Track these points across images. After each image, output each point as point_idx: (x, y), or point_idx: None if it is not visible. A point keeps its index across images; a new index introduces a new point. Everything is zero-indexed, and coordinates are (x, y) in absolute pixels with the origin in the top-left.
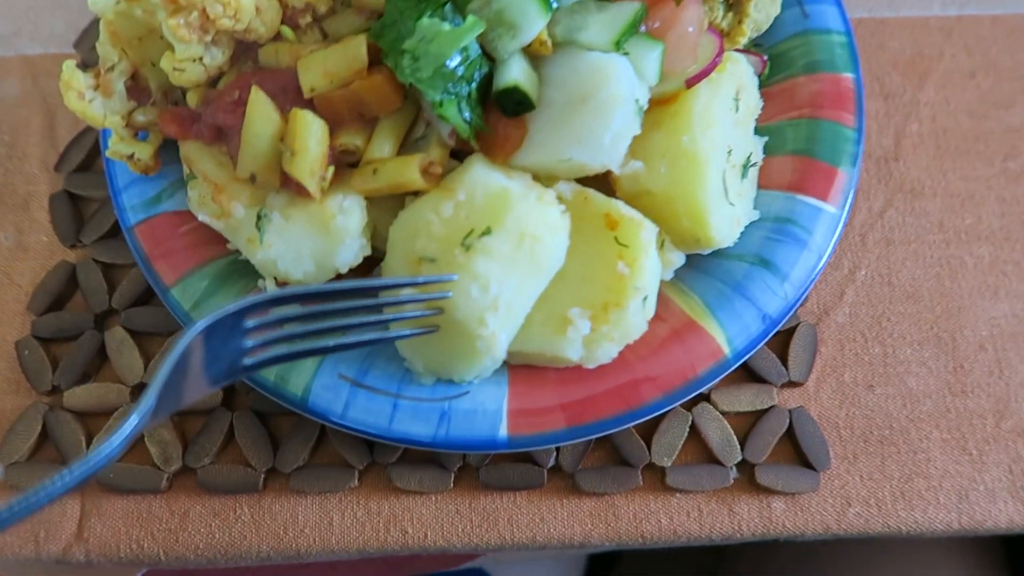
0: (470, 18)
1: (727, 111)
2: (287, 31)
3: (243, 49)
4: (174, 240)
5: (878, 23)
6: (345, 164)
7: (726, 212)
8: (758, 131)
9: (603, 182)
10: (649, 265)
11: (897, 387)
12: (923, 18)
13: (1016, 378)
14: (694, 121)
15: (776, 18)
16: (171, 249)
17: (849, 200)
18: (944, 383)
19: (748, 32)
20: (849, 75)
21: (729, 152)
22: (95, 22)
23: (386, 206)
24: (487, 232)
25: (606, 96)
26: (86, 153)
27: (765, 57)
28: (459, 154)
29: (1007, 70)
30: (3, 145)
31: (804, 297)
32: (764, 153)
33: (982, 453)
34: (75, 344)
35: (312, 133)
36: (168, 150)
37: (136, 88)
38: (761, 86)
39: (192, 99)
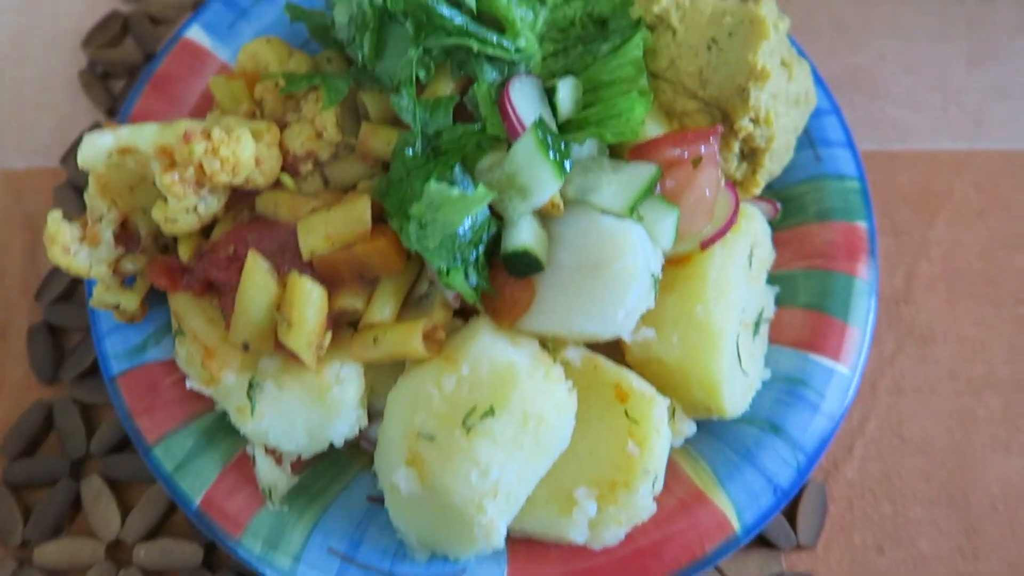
0: (481, 187)
1: (741, 272)
2: (287, 180)
3: (239, 195)
4: (159, 394)
5: (888, 156)
6: (343, 324)
7: (740, 381)
8: (769, 280)
9: (612, 344)
10: (660, 446)
11: (908, 550)
12: (933, 152)
13: None
14: (708, 289)
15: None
16: (155, 404)
17: (863, 360)
18: (956, 546)
19: (762, 183)
20: (863, 224)
21: (742, 311)
22: (81, 135)
23: (384, 365)
24: (490, 412)
25: (621, 269)
26: (68, 282)
27: (778, 205)
28: (462, 312)
29: (1017, 209)
30: None
31: (815, 465)
32: (775, 305)
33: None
34: (48, 493)
35: (311, 303)
36: (156, 292)
37: (124, 235)
38: (772, 230)
39: (184, 251)
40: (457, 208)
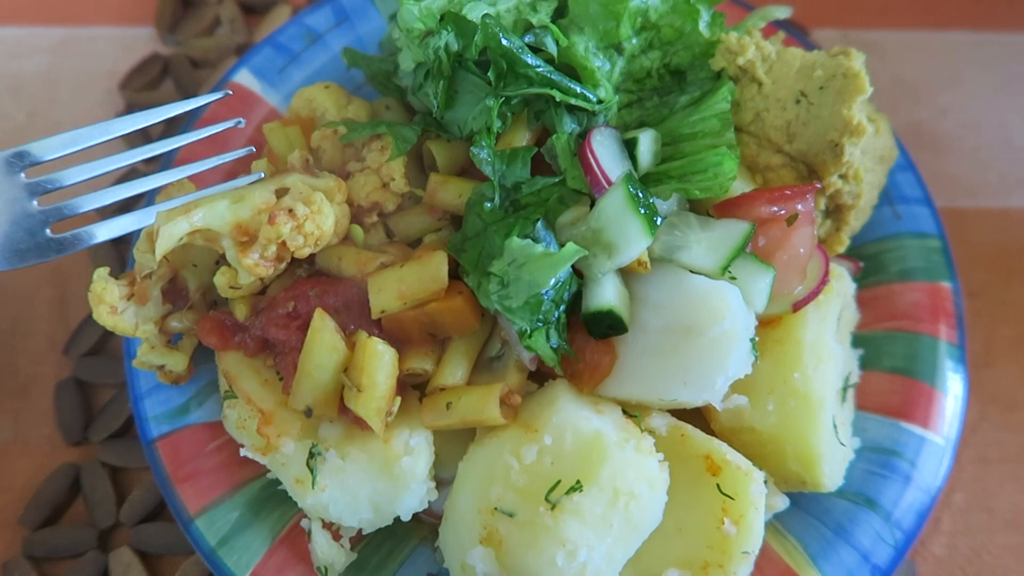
0: (570, 244)
1: (835, 335)
2: (357, 232)
3: None
4: (201, 459)
5: (958, 214)
6: (408, 387)
7: (837, 453)
8: (852, 342)
9: (693, 411)
10: (759, 523)
11: None
12: (1004, 209)
13: None
14: (805, 355)
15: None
16: (198, 470)
17: (958, 428)
18: None
19: (847, 241)
20: (947, 284)
21: (839, 378)
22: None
23: (451, 432)
24: (577, 487)
25: (720, 333)
26: (100, 334)
27: (860, 264)
28: (536, 375)
29: None
30: (6, 318)
31: (914, 542)
32: (860, 368)
33: None
34: (73, 566)
35: (382, 366)
36: (200, 349)
37: (173, 290)
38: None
39: (240, 310)
40: (543, 266)
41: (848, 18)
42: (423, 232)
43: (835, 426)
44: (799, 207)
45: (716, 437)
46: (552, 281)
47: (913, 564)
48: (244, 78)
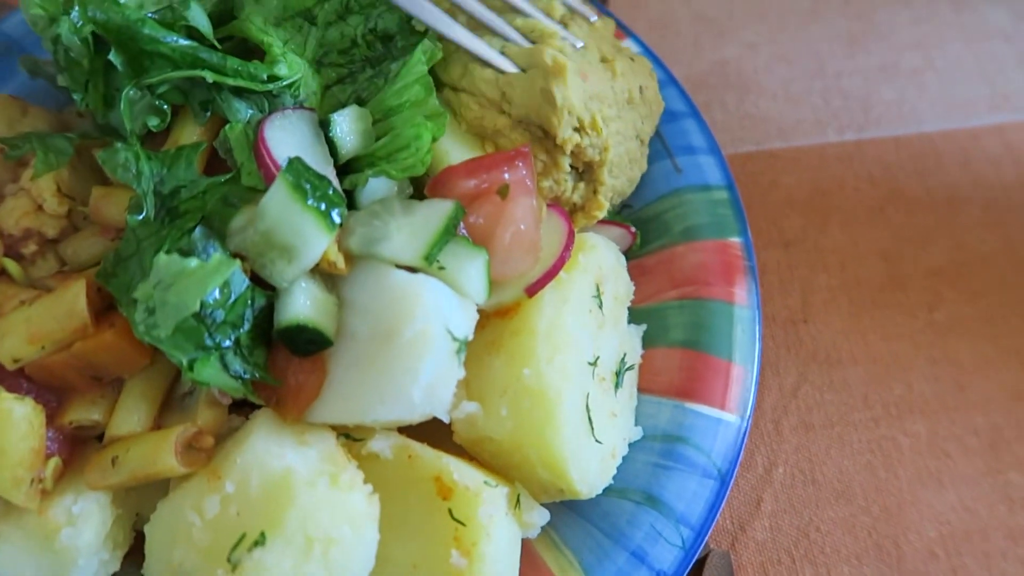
0: (216, 254)
1: (583, 317)
2: (12, 266)
3: None
4: None
5: (769, 156)
6: (89, 440)
7: (592, 453)
8: (634, 316)
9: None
10: (493, 552)
11: None
12: (819, 146)
13: None
14: (538, 347)
15: (645, 173)
16: None
17: (751, 402)
18: None
19: (606, 203)
20: (736, 239)
21: (594, 363)
22: None
23: (156, 484)
24: (260, 541)
25: (412, 336)
26: None
27: (633, 230)
28: (246, 405)
29: (918, 200)
30: None
31: (706, 538)
32: (644, 345)
33: None
34: None
35: (13, 428)
36: None
37: None
38: (632, 258)
39: None
40: (192, 284)
41: None
42: (99, 257)
43: (591, 421)
44: (506, 176)
45: (464, 451)
46: (211, 298)
47: (727, 554)
48: None
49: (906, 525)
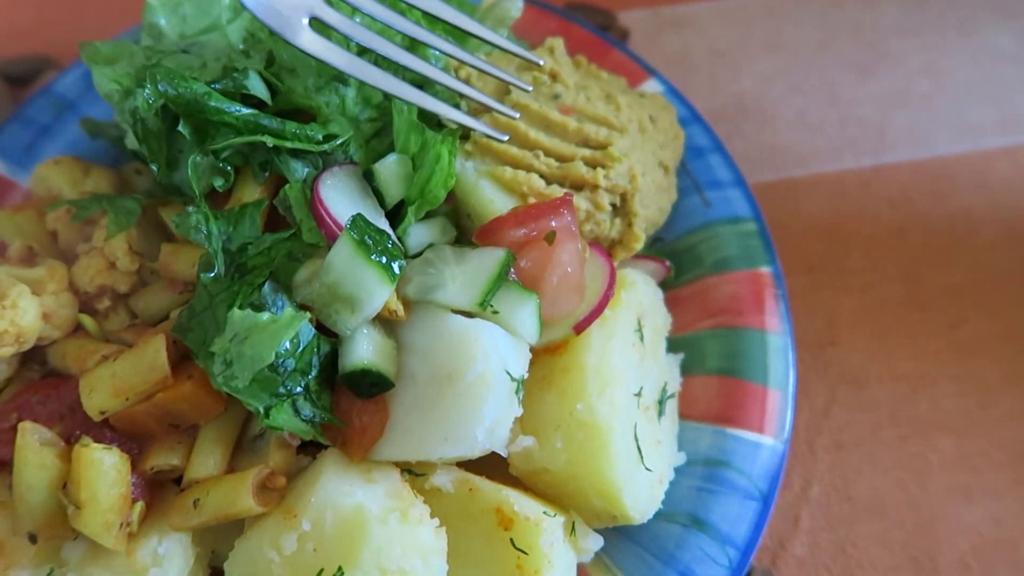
0: (288, 309)
1: (628, 351)
2: (88, 322)
3: (32, 351)
4: None
5: (790, 185)
6: (168, 484)
7: (643, 481)
8: (672, 346)
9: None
10: None
11: None
12: (837, 173)
13: None
14: (588, 382)
15: (676, 207)
16: None
17: (788, 425)
18: None
19: (642, 234)
20: (766, 269)
21: (639, 394)
22: None
23: (231, 524)
24: (339, 575)
25: (474, 379)
26: None
27: (667, 263)
28: (315, 446)
29: (935, 221)
30: None
31: (752, 557)
32: (682, 373)
33: None
34: None
35: (102, 476)
36: None
37: None
38: (667, 289)
39: None
40: (267, 337)
41: None
42: (168, 309)
43: (639, 450)
44: (553, 223)
45: (520, 482)
46: (283, 349)
47: (770, 572)
48: None
49: (939, 538)
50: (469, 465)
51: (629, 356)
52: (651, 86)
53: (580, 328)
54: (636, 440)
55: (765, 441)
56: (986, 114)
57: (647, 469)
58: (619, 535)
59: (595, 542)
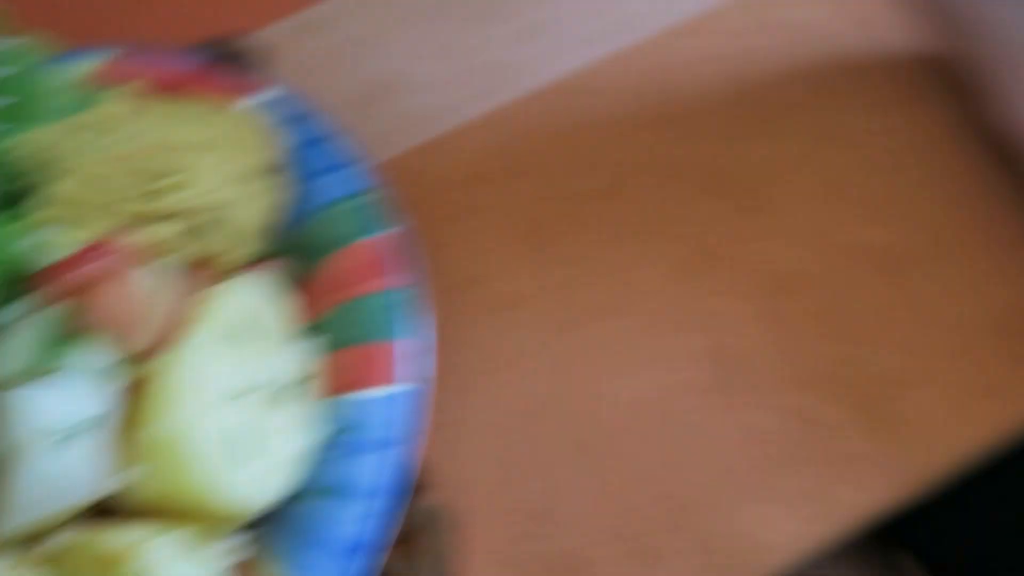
0: None
1: (218, 359)
2: None
3: None
4: None
5: (426, 149)
6: None
7: (247, 476)
8: (308, 333)
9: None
10: None
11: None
12: (465, 125)
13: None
14: (163, 401)
15: (293, 202)
16: None
17: (427, 366)
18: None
19: (242, 245)
20: (384, 233)
21: (244, 394)
22: None
23: None
24: None
25: (8, 449)
26: None
27: (278, 261)
28: None
29: (553, 157)
30: None
31: (404, 501)
32: (317, 355)
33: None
34: None
35: None
36: None
37: None
38: (303, 280)
39: None
40: None
41: (279, 9)
42: None
43: (234, 449)
44: (90, 267)
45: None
46: None
47: (435, 506)
48: None
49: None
50: (98, 511)
51: (224, 362)
52: (262, 97)
53: (150, 356)
54: (235, 440)
55: (398, 390)
56: (601, 23)
57: (242, 462)
58: (273, 524)
59: (231, 545)
